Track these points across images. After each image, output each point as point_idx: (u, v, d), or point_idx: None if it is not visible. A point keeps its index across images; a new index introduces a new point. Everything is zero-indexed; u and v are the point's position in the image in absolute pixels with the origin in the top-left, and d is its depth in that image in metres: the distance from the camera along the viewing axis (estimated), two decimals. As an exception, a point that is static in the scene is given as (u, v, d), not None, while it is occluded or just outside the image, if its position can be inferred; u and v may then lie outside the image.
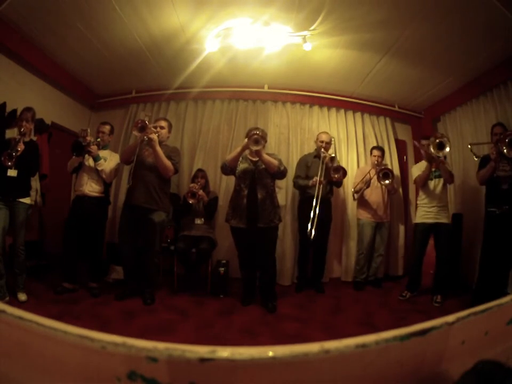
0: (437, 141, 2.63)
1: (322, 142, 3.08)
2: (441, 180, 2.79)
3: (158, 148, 2.47)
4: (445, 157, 2.79)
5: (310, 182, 2.94)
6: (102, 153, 2.69)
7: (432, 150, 2.63)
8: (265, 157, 2.47)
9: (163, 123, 2.70)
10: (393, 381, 0.43)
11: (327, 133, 3.24)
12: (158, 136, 2.52)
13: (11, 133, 2.37)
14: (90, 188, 2.65)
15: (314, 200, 2.79)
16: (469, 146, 2.68)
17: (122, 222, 2.66)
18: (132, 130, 2.55)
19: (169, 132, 2.77)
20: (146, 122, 2.47)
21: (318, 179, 2.85)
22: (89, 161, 2.66)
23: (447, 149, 2.61)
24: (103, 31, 2.71)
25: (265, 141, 2.59)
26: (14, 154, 2.23)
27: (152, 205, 2.53)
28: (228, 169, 2.60)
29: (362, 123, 3.89)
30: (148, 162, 2.56)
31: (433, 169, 2.82)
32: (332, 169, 2.96)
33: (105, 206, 2.83)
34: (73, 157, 2.65)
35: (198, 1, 2.35)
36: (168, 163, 2.52)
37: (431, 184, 2.82)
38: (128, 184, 2.58)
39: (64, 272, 2.65)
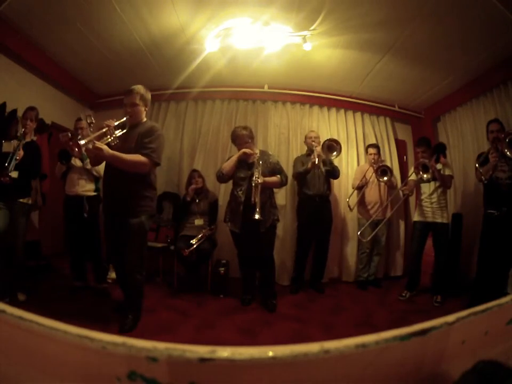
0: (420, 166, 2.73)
1: (311, 137, 3.14)
2: (437, 183, 2.78)
3: (111, 153, 1.87)
4: (443, 151, 2.80)
5: (310, 164, 2.96)
6: None
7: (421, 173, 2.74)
8: (267, 180, 2.48)
9: (135, 98, 2.05)
10: (393, 381, 0.43)
11: (313, 131, 3.32)
12: (130, 118, 2.03)
13: (8, 146, 2.31)
14: (82, 188, 2.65)
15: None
16: (476, 165, 2.53)
17: (106, 232, 2.23)
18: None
19: (146, 105, 2.12)
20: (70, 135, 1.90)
21: (315, 155, 2.90)
22: (77, 162, 2.64)
23: (428, 175, 2.70)
24: (103, 31, 2.70)
25: (252, 138, 2.62)
26: (10, 173, 2.20)
27: (127, 213, 2.01)
28: (225, 177, 2.60)
29: (362, 123, 3.89)
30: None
31: (425, 175, 2.78)
32: (326, 151, 3.03)
33: (98, 205, 2.82)
34: (59, 164, 2.64)
35: (198, 1, 2.35)
36: (135, 158, 1.93)
37: (427, 186, 2.82)
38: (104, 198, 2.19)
39: (73, 271, 2.69)
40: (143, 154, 1.95)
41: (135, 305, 2.08)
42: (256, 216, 2.32)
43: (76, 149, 1.78)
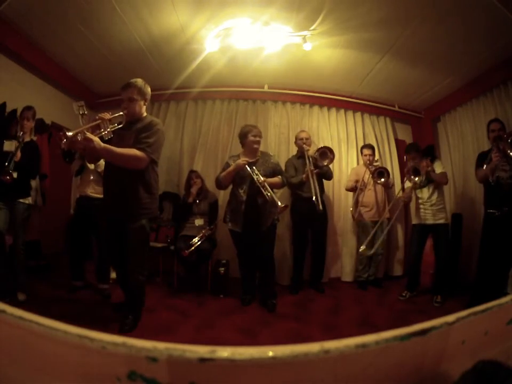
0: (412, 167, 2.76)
1: (302, 139, 3.11)
2: (432, 186, 2.78)
3: (103, 146, 1.76)
4: (432, 153, 2.87)
5: (304, 176, 2.93)
6: None
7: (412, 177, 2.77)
8: (269, 181, 2.50)
9: (133, 92, 1.94)
10: (393, 381, 0.43)
11: (304, 130, 3.29)
12: (126, 113, 1.93)
13: (9, 145, 2.33)
14: (93, 189, 2.65)
15: (313, 189, 2.80)
16: (484, 166, 2.44)
17: (106, 235, 2.19)
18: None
19: (145, 100, 2.02)
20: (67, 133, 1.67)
21: (309, 168, 2.87)
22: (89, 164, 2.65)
23: (420, 177, 2.71)
24: (103, 31, 2.71)
25: (261, 137, 2.64)
26: (11, 171, 2.21)
27: (128, 218, 1.96)
28: (223, 186, 2.65)
29: (362, 123, 3.89)
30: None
31: (422, 178, 2.77)
32: (318, 157, 2.99)
33: None
34: (71, 163, 2.67)
35: (198, 1, 2.35)
36: (129, 152, 1.83)
37: (424, 191, 2.82)
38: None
39: (72, 271, 2.69)
40: (138, 149, 1.85)
41: (136, 305, 2.05)
42: (279, 203, 2.41)
43: (64, 140, 1.64)
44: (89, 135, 1.73)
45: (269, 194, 2.43)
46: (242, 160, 2.52)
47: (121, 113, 1.91)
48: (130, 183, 1.92)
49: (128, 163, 1.86)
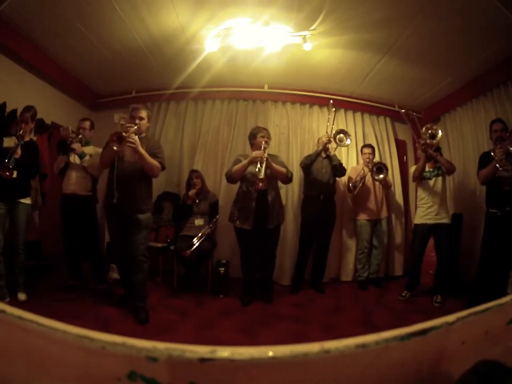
0: (429, 131, 2.72)
1: (328, 138, 3.13)
2: (440, 179, 2.79)
3: (142, 150, 2.15)
4: (439, 150, 2.83)
5: (321, 146, 3.06)
6: (86, 149, 2.68)
7: (427, 141, 2.72)
8: (276, 167, 2.52)
9: (143, 113, 2.31)
10: (393, 381, 0.43)
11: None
12: (137, 129, 2.22)
13: (9, 141, 2.34)
14: (79, 186, 2.64)
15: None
16: (497, 166, 2.33)
17: (109, 224, 2.43)
18: (111, 145, 2.12)
19: (149, 121, 2.42)
20: (123, 134, 2.06)
21: (325, 137, 3.06)
22: (76, 159, 2.65)
23: (439, 135, 2.71)
24: (103, 31, 2.71)
25: (269, 139, 2.69)
26: (11, 166, 2.22)
27: (138, 211, 2.25)
28: (234, 180, 2.65)
29: (362, 123, 3.89)
30: (127, 162, 2.24)
31: (430, 169, 2.82)
32: (338, 142, 3.20)
33: (93, 204, 2.81)
34: (60, 156, 2.66)
35: (198, 1, 2.35)
36: (154, 162, 2.23)
37: (431, 183, 2.82)
38: (114, 198, 2.21)
39: (68, 271, 2.69)
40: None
41: (143, 294, 2.27)
42: (260, 176, 2.37)
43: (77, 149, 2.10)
44: (133, 138, 2.10)
45: (261, 168, 2.38)
46: (257, 153, 2.48)
47: (136, 127, 2.21)
48: (140, 183, 2.26)
49: (151, 170, 2.25)
